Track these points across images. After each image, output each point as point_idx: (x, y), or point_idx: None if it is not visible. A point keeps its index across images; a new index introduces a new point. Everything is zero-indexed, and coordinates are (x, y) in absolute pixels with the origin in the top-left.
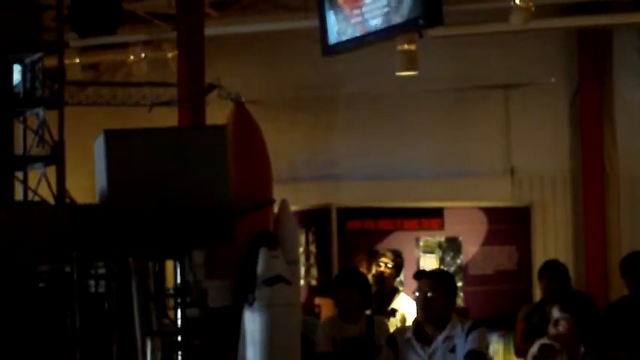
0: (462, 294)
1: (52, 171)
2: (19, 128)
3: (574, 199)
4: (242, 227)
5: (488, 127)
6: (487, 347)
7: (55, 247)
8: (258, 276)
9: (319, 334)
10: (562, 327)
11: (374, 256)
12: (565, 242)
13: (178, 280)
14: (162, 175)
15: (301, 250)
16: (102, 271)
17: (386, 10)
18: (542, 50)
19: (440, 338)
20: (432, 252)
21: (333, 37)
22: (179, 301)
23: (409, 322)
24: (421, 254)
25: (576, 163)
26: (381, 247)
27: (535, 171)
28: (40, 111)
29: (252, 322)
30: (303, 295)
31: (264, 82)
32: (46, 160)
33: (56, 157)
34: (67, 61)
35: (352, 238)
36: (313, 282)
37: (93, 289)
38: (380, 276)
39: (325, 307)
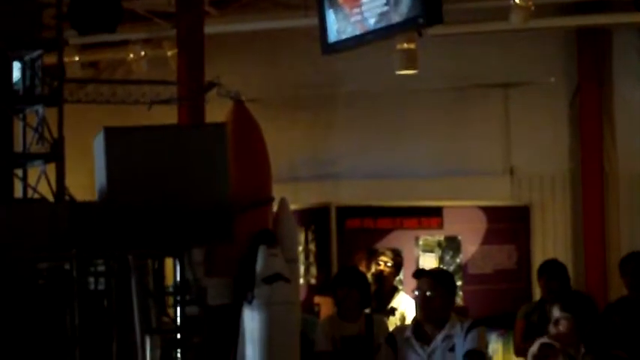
0: (461, 293)
1: (51, 168)
2: (18, 125)
3: (573, 198)
4: (241, 225)
5: (488, 126)
6: (486, 346)
7: (55, 244)
8: (258, 274)
9: (318, 333)
10: (562, 326)
11: (373, 255)
12: (564, 242)
13: (178, 278)
14: (161, 173)
15: (301, 248)
16: (101, 268)
17: (385, 8)
18: (541, 50)
19: (439, 337)
20: (431, 251)
21: (332, 36)
22: (178, 298)
23: (408, 321)
24: (420, 253)
25: (576, 162)
26: (380, 246)
27: (534, 170)
28: (40, 108)
29: (252, 321)
30: (302, 294)
31: (263, 81)
32: (46, 158)
33: (56, 154)
34: (66, 59)
35: (351, 236)
36: (313, 281)
37: (92, 287)
38: (379, 275)
39: (324, 305)
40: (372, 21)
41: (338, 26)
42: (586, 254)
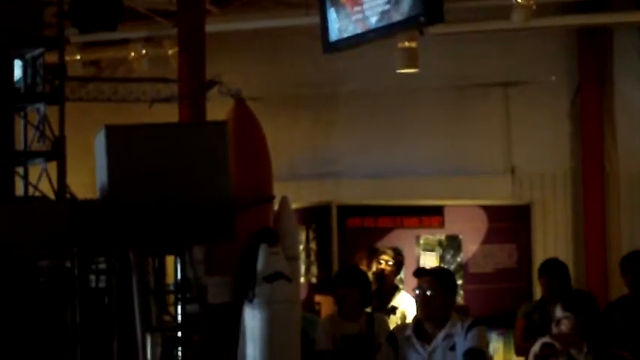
0: (462, 292)
1: (52, 167)
2: (19, 123)
3: (574, 197)
4: (242, 224)
5: (489, 125)
6: (487, 345)
7: (56, 242)
8: (259, 272)
9: (319, 332)
10: (564, 326)
11: (374, 254)
12: (565, 241)
13: (179, 276)
14: (162, 171)
15: (301, 247)
16: (102, 266)
17: (386, 7)
18: (542, 49)
19: (440, 336)
20: (432, 250)
21: (333, 34)
22: (179, 297)
23: (409, 320)
24: (421, 252)
25: (576, 161)
26: (381, 244)
27: (535, 169)
28: (41, 106)
29: (252, 319)
30: (303, 293)
31: (264, 79)
32: (47, 156)
33: (57, 152)
34: (68, 58)
35: (352, 235)
36: (313, 279)
37: (93, 285)
38: (380, 273)
39: (325, 304)
40: (373, 19)
41: (339, 25)
42: (587, 253)
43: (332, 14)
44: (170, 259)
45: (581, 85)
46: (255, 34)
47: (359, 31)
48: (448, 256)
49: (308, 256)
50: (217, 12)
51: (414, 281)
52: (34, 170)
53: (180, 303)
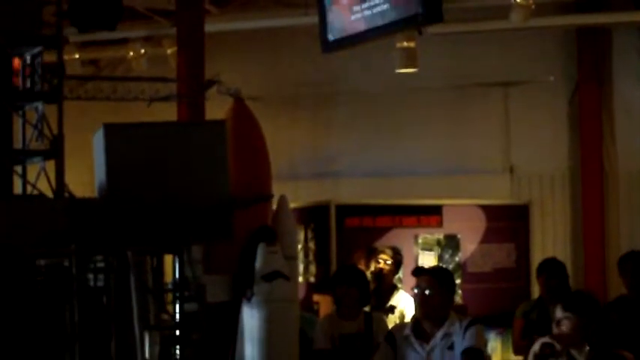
0: (460, 291)
1: (51, 165)
2: (18, 122)
3: (573, 197)
4: (241, 223)
5: (488, 124)
6: (485, 344)
7: (54, 240)
8: (257, 271)
9: (317, 331)
10: (565, 327)
11: (372, 253)
12: (564, 240)
13: (177, 275)
14: (161, 170)
15: (300, 246)
16: (100, 265)
17: (385, 7)
18: (541, 48)
19: (438, 335)
20: (430, 249)
21: (332, 34)
22: (177, 295)
23: (408, 319)
24: (420, 251)
25: (575, 161)
26: (379, 244)
27: (534, 169)
28: (40, 105)
29: (251, 318)
30: (301, 292)
31: (263, 79)
32: (45, 154)
33: (55, 151)
34: (66, 57)
35: (351, 235)
36: (312, 279)
37: (91, 283)
38: (379, 273)
39: (324, 303)
40: (372, 19)
41: (338, 24)
42: (585, 253)
43: (331, 14)
44: (168, 258)
45: (580, 85)
46: (254, 33)
47: (358, 30)
48: (446, 256)
49: (306, 255)
50: (216, 12)
51: (412, 280)
52: (33, 169)
53: (178, 302)
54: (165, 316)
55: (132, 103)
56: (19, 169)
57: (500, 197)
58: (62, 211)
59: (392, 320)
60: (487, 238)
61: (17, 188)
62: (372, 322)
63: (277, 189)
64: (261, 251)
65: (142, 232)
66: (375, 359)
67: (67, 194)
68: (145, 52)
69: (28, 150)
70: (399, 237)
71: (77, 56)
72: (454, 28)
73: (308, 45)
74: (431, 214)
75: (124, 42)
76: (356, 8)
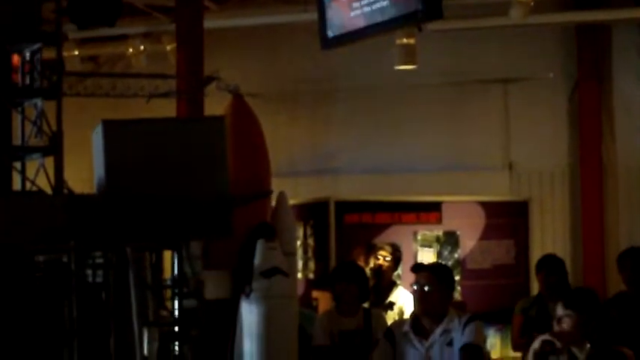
0: (459, 288)
1: (50, 162)
2: (17, 119)
3: (572, 194)
4: (240, 219)
5: (487, 121)
6: (484, 341)
7: (53, 237)
8: (256, 267)
9: (317, 327)
10: (566, 324)
11: (371, 250)
12: (563, 237)
13: (176, 271)
14: (160, 166)
15: (299, 243)
16: (99, 261)
17: (385, 3)
18: (541, 45)
19: (437, 332)
20: (429, 246)
21: (332, 31)
22: (176, 291)
23: (407, 316)
24: (419, 248)
25: (575, 158)
26: (378, 240)
27: (533, 166)
28: (39, 102)
29: (249, 314)
30: (300, 288)
31: (263, 76)
32: (44, 151)
33: (54, 147)
34: (66, 54)
35: (350, 231)
36: (311, 275)
37: (90, 279)
38: (378, 269)
39: (323, 300)
40: (371, 16)
41: (337, 21)
42: (584, 249)
43: (330, 10)
44: (168, 254)
45: (580, 82)
46: (253, 30)
47: (357, 27)
48: (446, 252)
49: (306, 251)
50: (215, 8)
51: (411, 277)
52: (32, 165)
53: (177, 298)
54: (164, 313)
55: (131, 100)
56: (18, 165)
57: (499, 194)
58: (61, 207)
59: (391, 317)
60: (486, 234)
61: (16, 185)
62: (372, 318)
63: (276, 185)
64: (260, 247)
65: (140, 228)
66: (374, 356)
67: (66, 190)
68: (145, 49)
69: (27, 146)
70: (399, 233)
71: (76, 53)
72: (454, 25)
73: (307, 42)
74: (430, 210)
75: (123, 38)
76: (355, 5)
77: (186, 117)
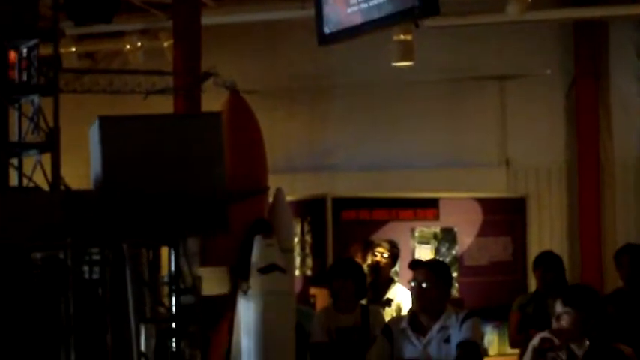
0: (456, 285)
1: (47, 158)
2: (14, 115)
3: (569, 190)
4: (237, 215)
5: (484, 118)
6: (482, 337)
7: (50, 233)
8: (253, 264)
9: (314, 324)
10: (564, 321)
11: (369, 246)
12: (560, 233)
13: (172, 268)
14: (156, 162)
15: (297, 240)
16: (96, 257)
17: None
18: (538, 42)
19: (435, 328)
20: (427, 242)
21: (328, 27)
22: (173, 288)
23: (404, 312)
24: (416, 245)
25: (572, 154)
26: (376, 237)
27: (530, 162)
28: (36, 98)
29: (247, 310)
30: (298, 285)
31: (260, 72)
32: (41, 147)
33: (51, 144)
34: (63, 50)
35: (347, 228)
36: (308, 272)
37: (87, 276)
38: (376, 266)
39: (320, 296)
40: (368, 12)
41: (334, 17)
42: (582, 246)
43: (327, 6)
44: (165, 251)
45: (577, 79)
46: (250, 27)
47: (354, 23)
48: (443, 249)
49: (303, 248)
50: (213, 4)
51: (409, 274)
52: (29, 162)
53: (174, 294)
54: (161, 309)
55: (128, 96)
56: (15, 161)
57: (496, 190)
58: (58, 203)
59: (389, 313)
60: (484, 231)
61: (13, 181)
62: (369, 315)
63: (274, 182)
64: (257, 244)
65: (137, 224)
66: (372, 352)
67: (63, 187)
68: (142, 45)
69: (24, 143)
70: (396, 230)
71: (74, 49)
72: (451, 22)
73: (305, 38)
74: (427, 207)
75: (120, 35)
76: (352, 1)
77: (183, 113)
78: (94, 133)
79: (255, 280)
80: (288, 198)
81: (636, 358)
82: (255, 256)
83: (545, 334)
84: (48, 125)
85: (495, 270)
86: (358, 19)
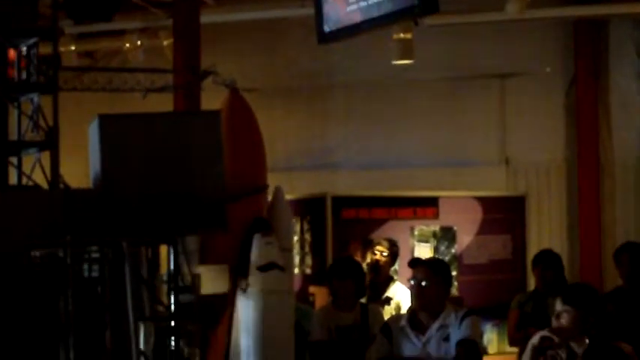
0: (456, 283)
1: (46, 156)
2: (13, 113)
3: (569, 189)
4: (235, 214)
5: (484, 116)
6: (481, 335)
7: (49, 231)
8: (252, 262)
9: (314, 323)
10: (564, 319)
11: (368, 245)
12: (560, 232)
13: (172, 266)
14: (156, 160)
15: (296, 238)
16: (95, 255)
17: None
18: (538, 40)
19: (434, 327)
20: (426, 241)
21: (328, 25)
22: (172, 286)
23: (404, 311)
24: (416, 243)
25: (571, 153)
26: (375, 236)
27: (530, 161)
28: (35, 96)
29: (246, 309)
30: (297, 284)
31: (260, 71)
32: (41, 146)
33: (50, 142)
34: (62, 49)
35: (347, 226)
36: (308, 270)
37: (86, 274)
38: (375, 264)
39: (320, 295)
40: (367, 10)
41: (334, 15)
42: (581, 244)
43: (326, 5)
44: (164, 249)
45: (577, 77)
46: (250, 25)
47: (353, 21)
48: (442, 248)
49: (302, 247)
50: (213, 3)
51: (408, 272)
52: (28, 160)
53: (173, 292)
54: (160, 307)
55: (128, 95)
56: (14, 160)
57: (496, 189)
58: (57, 202)
59: (388, 312)
60: (483, 229)
61: (12, 179)
62: (369, 313)
63: (273, 180)
64: (256, 242)
65: (136, 222)
66: (372, 351)
67: (62, 185)
68: (141, 44)
69: (23, 141)
70: (395, 229)
71: (73, 48)
72: (450, 20)
73: (304, 37)
74: (427, 205)
75: (120, 33)
76: None
77: (182, 111)
78: (93, 132)
79: (254, 279)
80: (288, 196)
81: (636, 356)
82: (254, 254)
83: (545, 332)
84: (47, 124)
85: (495, 268)
86: (358, 18)
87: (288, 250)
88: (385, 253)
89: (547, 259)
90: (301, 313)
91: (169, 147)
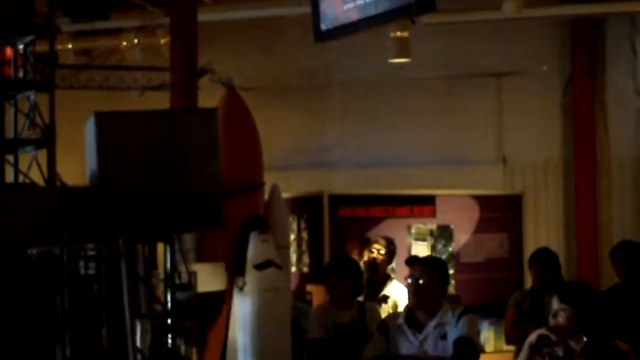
0: (453, 282)
1: (42, 154)
2: (10, 111)
3: (566, 187)
4: (232, 211)
5: (481, 115)
6: (478, 334)
7: (45, 229)
8: (249, 260)
9: (311, 321)
10: (561, 318)
11: (366, 243)
12: (556, 230)
13: (168, 264)
14: (152, 158)
15: (293, 237)
16: (92, 253)
17: None
18: (535, 39)
19: (431, 325)
20: (423, 239)
21: (325, 24)
22: (169, 284)
23: (401, 309)
24: (413, 241)
25: (568, 151)
26: (372, 234)
27: (527, 159)
28: (32, 94)
29: (243, 306)
30: (294, 282)
31: (257, 69)
32: (37, 144)
33: (47, 140)
34: (59, 47)
35: (344, 225)
36: (305, 269)
37: (82, 271)
38: (372, 262)
39: (317, 293)
40: (364, 8)
41: (330, 14)
42: (578, 243)
43: (323, 3)
44: (161, 247)
45: (574, 76)
46: (247, 23)
47: (350, 20)
48: (439, 246)
49: (299, 245)
50: (210, 1)
51: (405, 271)
52: (25, 158)
53: (169, 290)
54: (156, 305)
55: (124, 93)
56: (11, 158)
57: (493, 187)
58: (54, 199)
59: (385, 310)
60: (480, 228)
61: (9, 177)
62: (366, 311)
63: (270, 179)
64: (253, 240)
65: (133, 220)
66: (369, 349)
67: (58, 183)
68: (138, 42)
69: (19, 139)
70: (392, 227)
71: (70, 46)
72: (447, 18)
73: (302, 35)
74: (424, 204)
75: (117, 32)
76: None
77: (178, 109)
78: (89, 129)
79: (251, 277)
80: (285, 195)
81: (633, 354)
82: (251, 252)
83: (542, 331)
84: (44, 121)
85: (492, 267)
86: (355, 16)
87: (284, 248)
88: (382, 252)
89: (544, 257)
90: (298, 311)
91: (166, 145)
